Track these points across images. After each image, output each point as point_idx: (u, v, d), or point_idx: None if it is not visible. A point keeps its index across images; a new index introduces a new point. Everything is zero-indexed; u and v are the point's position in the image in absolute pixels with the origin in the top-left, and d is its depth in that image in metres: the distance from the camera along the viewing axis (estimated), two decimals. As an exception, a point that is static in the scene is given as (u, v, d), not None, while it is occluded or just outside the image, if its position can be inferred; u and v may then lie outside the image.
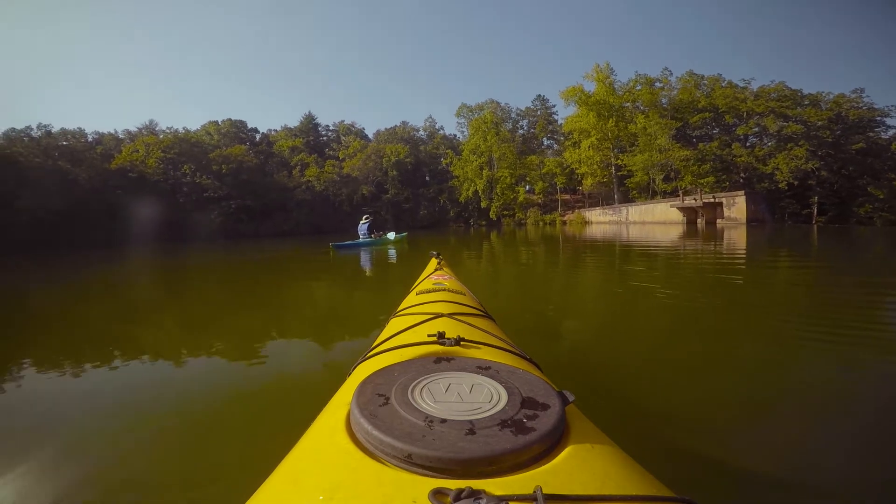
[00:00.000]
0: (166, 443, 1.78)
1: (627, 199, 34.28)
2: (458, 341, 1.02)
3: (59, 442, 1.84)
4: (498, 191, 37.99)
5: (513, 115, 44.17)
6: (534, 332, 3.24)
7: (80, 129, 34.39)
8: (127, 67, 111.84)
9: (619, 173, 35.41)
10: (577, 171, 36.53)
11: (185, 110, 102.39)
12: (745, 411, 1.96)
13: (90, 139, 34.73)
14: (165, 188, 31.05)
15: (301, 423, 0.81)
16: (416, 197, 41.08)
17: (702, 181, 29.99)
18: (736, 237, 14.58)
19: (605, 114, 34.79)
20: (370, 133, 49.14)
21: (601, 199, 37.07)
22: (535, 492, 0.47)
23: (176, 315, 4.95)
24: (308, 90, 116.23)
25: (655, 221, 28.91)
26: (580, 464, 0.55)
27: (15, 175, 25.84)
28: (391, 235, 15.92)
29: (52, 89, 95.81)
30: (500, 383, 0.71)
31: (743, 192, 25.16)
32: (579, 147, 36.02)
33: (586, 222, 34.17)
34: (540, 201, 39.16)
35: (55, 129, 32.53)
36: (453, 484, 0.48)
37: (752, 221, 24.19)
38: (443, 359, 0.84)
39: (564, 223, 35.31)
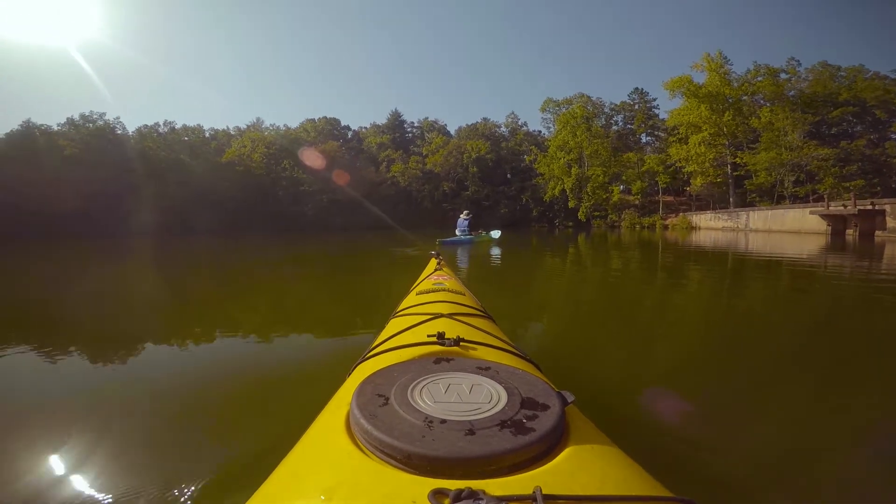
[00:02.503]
0: (162, 435, 1.80)
1: (745, 203, 29.79)
2: (457, 342, 1.01)
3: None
4: (588, 190, 35.17)
5: (606, 110, 40.84)
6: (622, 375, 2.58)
7: (198, 125, 38.38)
8: (242, 69, 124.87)
9: (736, 173, 30.90)
10: (685, 170, 32.54)
11: (287, 109, 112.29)
12: (745, 412, 1.99)
13: (207, 135, 38.57)
14: (267, 182, 33.36)
15: (301, 423, 0.81)
16: (497, 195, 39.86)
17: (847, 185, 24.94)
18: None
19: (719, 106, 30.61)
20: (452, 130, 48.94)
21: (712, 201, 32.70)
22: (534, 492, 0.47)
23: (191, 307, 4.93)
24: (395, 89, 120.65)
25: (786, 230, 24.53)
26: (580, 464, 0.55)
27: (144, 167, 29.34)
28: (495, 233, 14.97)
29: (182, 88, 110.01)
30: (500, 384, 0.71)
31: (919, 198, 20.26)
32: (687, 143, 32.09)
33: (693, 227, 30.31)
34: (637, 202, 35.58)
35: (178, 125, 36.56)
36: (453, 484, 0.48)
37: (931, 235, 19.33)
38: (442, 359, 0.84)
39: (666, 227, 31.70)
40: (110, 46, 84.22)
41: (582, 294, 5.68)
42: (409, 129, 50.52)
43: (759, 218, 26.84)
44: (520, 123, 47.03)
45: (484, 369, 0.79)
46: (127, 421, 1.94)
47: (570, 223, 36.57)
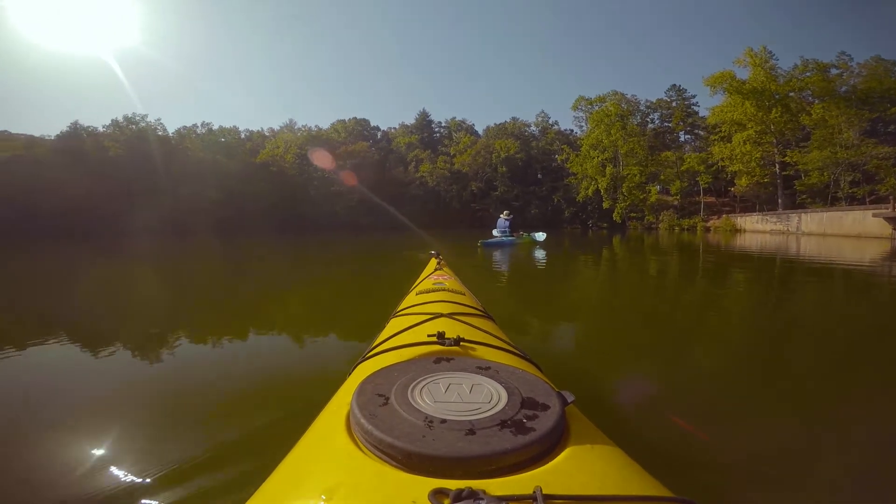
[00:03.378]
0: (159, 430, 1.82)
1: (795, 205, 28.18)
2: (457, 341, 1.01)
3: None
4: (624, 190, 33.93)
5: (642, 108, 39.50)
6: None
7: (234, 126, 39.22)
8: (277, 72, 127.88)
9: (785, 173, 29.26)
10: (728, 170, 31.04)
11: (318, 110, 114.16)
12: (745, 413, 2.00)
13: (242, 136, 39.37)
14: (299, 182, 33.73)
15: (301, 423, 0.81)
16: (527, 195, 39.15)
17: (914, 185, 23.20)
18: None
19: (765, 103, 29.07)
20: (480, 130, 48.42)
21: (758, 203, 31.09)
22: (534, 492, 0.47)
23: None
24: (423, 88, 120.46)
25: (843, 234, 23.02)
26: (580, 464, 0.56)
27: (183, 167, 30.05)
28: (539, 235, 14.39)
29: (217, 91, 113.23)
30: (500, 383, 0.71)
31: None
32: (730, 141, 30.63)
33: (737, 230, 28.92)
34: (676, 203, 34.11)
35: (215, 126, 37.43)
36: (453, 484, 0.48)
37: None
38: (443, 359, 0.84)
39: (708, 230, 30.33)
40: (148, 54, 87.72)
41: (612, 300, 5.48)
42: (436, 129, 50.34)
43: (812, 220, 25.31)
44: (550, 122, 46.10)
45: (484, 369, 0.78)
46: (136, 415, 1.95)
47: (605, 224, 35.45)
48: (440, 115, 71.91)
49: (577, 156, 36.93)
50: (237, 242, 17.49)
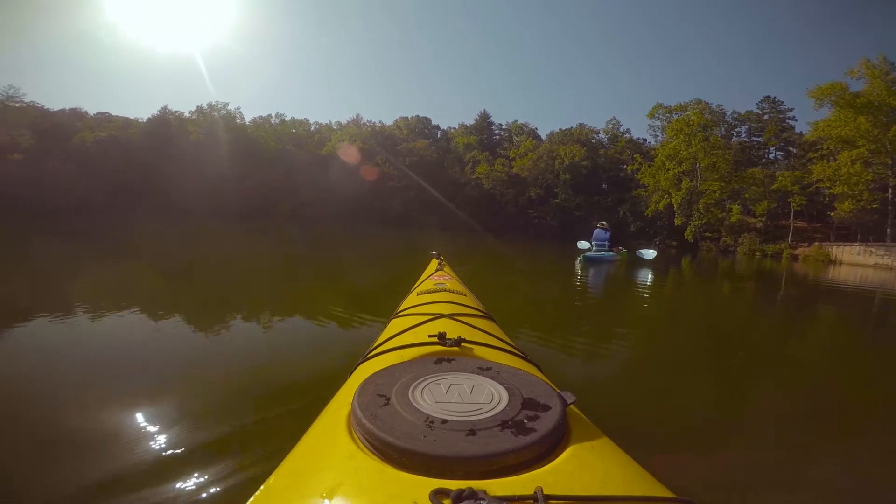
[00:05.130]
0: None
1: (911, 237, 24.42)
2: (458, 342, 1.01)
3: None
4: (700, 207, 31.04)
5: (728, 119, 36.27)
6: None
7: (305, 119, 40.66)
8: (349, 69, 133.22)
9: (900, 199, 25.50)
10: (829, 192, 27.58)
11: (384, 105, 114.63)
12: (745, 414, 2.10)
13: (312, 128, 40.74)
14: (362, 174, 34.22)
15: (302, 422, 0.82)
16: (590, 205, 37.15)
17: None
18: None
19: (882, 119, 25.51)
20: (543, 134, 46.84)
21: (860, 231, 27.35)
22: (535, 492, 0.47)
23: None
24: (485, 89, 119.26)
25: (979, 276, 19.44)
26: (581, 464, 0.56)
27: (256, 155, 31.37)
28: (648, 254, 12.62)
29: (292, 85, 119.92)
30: (501, 384, 0.72)
31: None
32: (834, 160, 27.17)
33: (831, 261, 25.57)
34: (760, 225, 30.90)
35: (288, 117, 38.95)
36: (454, 484, 0.48)
37: None
38: (444, 359, 0.84)
39: (795, 258, 27.13)
40: (233, 49, 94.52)
41: (670, 335, 4.96)
42: (496, 132, 49.37)
43: (935, 257, 21.73)
44: (621, 130, 43.61)
45: (485, 370, 0.79)
46: (134, 415, 1.87)
47: (674, 243, 32.70)
48: (502, 117, 70.60)
49: (649, 166, 34.36)
50: (306, 231, 17.82)
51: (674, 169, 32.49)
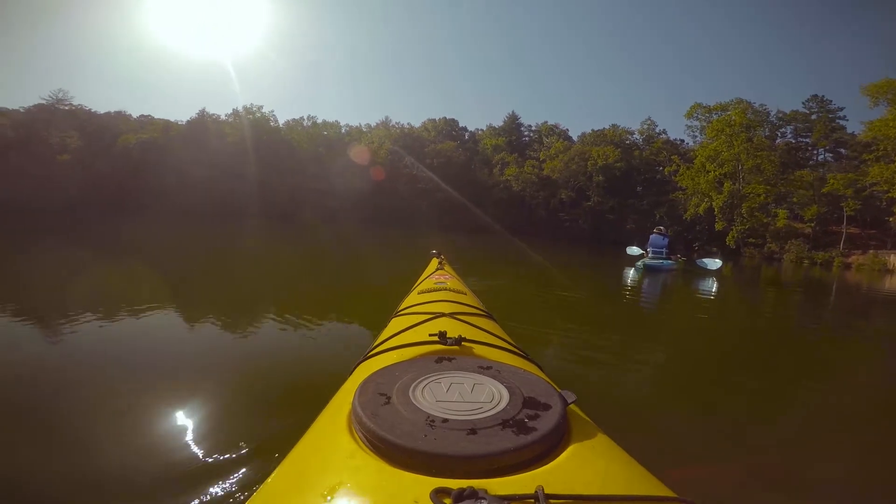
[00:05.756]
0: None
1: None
2: (459, 341, 1.01)
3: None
4: (744, 211, 29.53)
5: (772, 119, 34.49)
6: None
7: (336, 121, 41.12)
8: (378, 71, 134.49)
9: (970, 205, 23.57)
10: (888, 195, 25.80)
11: (411, 107, 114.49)
12: (745, 415, 2.10)
13: (343, 131, 41.17)
14: (391, 176, 34.32)
15: (302, 421, 0.82)
16: (624, 208, 36.09)
17: None
18: None
19: (947, 117, 23.70)
20: (574, 136, 45.81)
21: (922, 239, 25.50)
22: (536, 491, 0.47)
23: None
24: (514, 91, 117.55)
25: None
26: (581, 464, 0.56)
27: (289, 157, 31.83)
28: (713, 264, 11.78)
29: (324, 88, 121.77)
30: (502, 383, 0.72)
31: None
32: (893, 162, 25.39)
33: (888, 270, 23.93)
34: (808, 231, 29.21)
35: (319, 120, 39.50)
36: (455, 483, 0.48)
37: None
38: (444, 358, 0.84)
39: (847, 266, 25.52)
40: (267, 54, 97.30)
41: (686, 341, 4.80)
42: (525, 133, 48.61)
43: None
44: (657, 131, 42.15)
45: (486, 369, 0.79)
46: (132, 415, 1.88)
47: (714, 249, 31.09)
48: (531, 118, 69.30)
49: (688, 168, 32.98)
50: (333, 233, 17.92)
51: (714, 171, 31.08)
